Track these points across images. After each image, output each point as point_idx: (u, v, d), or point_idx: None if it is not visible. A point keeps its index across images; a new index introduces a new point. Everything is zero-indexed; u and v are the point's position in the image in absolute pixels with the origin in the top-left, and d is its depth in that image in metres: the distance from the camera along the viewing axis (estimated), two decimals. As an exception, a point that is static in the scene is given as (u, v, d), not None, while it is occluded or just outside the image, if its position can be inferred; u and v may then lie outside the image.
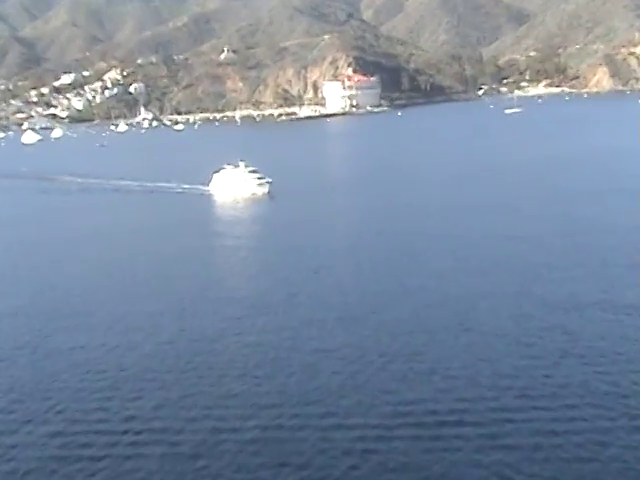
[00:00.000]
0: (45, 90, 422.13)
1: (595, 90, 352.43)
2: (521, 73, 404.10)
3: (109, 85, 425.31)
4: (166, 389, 38.44)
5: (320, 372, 39.31)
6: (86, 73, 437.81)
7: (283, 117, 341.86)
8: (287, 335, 45.15)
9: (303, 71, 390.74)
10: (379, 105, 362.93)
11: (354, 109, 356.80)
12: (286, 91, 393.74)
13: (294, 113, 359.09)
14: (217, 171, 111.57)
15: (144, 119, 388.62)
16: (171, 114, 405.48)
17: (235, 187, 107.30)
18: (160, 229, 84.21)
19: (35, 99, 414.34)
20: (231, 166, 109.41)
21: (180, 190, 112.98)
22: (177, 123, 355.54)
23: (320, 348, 42.71)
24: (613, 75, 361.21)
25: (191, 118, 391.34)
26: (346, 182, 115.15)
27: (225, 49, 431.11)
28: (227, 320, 48.88)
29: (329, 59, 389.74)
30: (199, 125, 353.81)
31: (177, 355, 43.02)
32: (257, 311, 50.32)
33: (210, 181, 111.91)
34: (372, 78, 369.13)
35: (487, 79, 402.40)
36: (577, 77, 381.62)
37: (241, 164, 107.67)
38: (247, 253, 69.25)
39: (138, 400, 37.44)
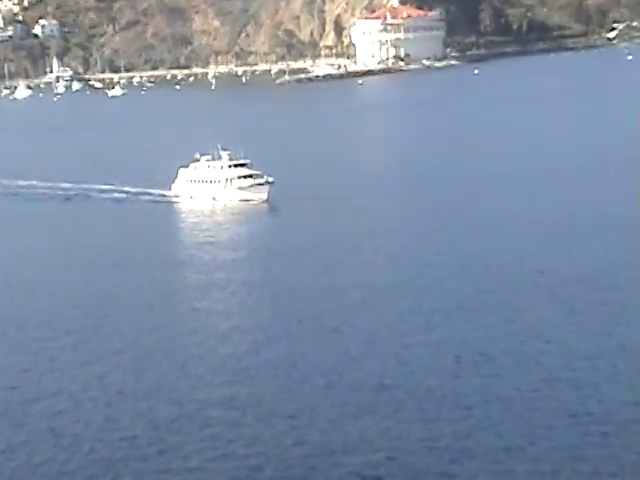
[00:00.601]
0: None
1: None
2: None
3: (0, 23, 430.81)
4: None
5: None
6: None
7: (286, 77, 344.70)
8: (278, 435, 44.82)
9: (319, 1, 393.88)
10: (443, 57, 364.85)
11: (401, 63, 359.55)
12: (291, 34, 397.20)
13: (304, 70, 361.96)
14: (185, 165, 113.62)
15: (59, 79, 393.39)
16: (103, 71, 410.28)
17: (214, 190, 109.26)
18: (87, 258, 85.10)
19: None
20: (207, 157, 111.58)
21: (123, 195, 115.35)
22: (113, 86, 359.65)
23: (333, 466, 42.12)
24: None
25: (136, 77, 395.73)
26: (386, 183, 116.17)
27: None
28: (181, 410, 48.61)
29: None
30: (149, 89, 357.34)
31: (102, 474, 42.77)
32: (230, 398, 50.01)
33: (173, 181, 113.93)
34: (431, 12, 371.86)
35: (623, 13, 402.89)
36: None
37: (223, 154, 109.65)
38: (224, 296, 69.70)
39: None
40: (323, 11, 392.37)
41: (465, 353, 53.91)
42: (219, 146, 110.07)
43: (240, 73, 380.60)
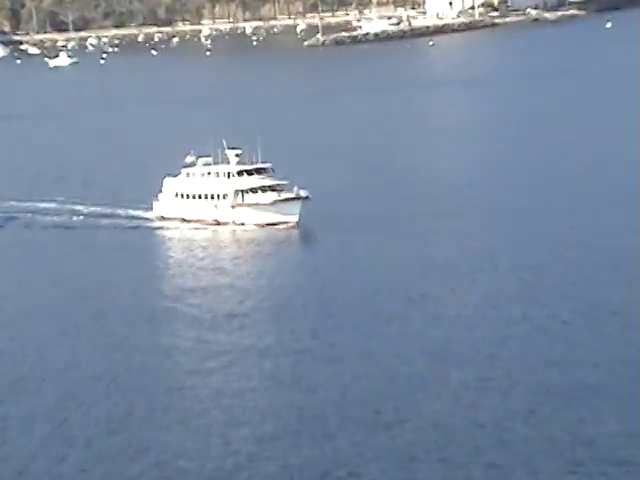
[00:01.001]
0: None
1: None
2: None
3: None
4: None
5: None
6: None
7: (319, 36, 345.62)
8: None
9: None
10: (558, 4, 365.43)
11: (495, 14, 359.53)
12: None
13: (347, 26, 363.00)
14: (172, 173, 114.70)
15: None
16: (40, 31, 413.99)
17: (216, 210, 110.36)
18: (15, 318, 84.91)
19: None
20: (205, 160, 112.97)
21: (74, 219, 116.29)
22: (57, 52, 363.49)
23: None
24: None
25: (92, 39, 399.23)
26: (468, 196, 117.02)
27: None
28: None
29: None
30: (111, 55, 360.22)
31: None
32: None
33: (156, 197, 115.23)
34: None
35: None
36: None
37: (230, 155, 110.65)
38: (220, 372, 69.06)
39: None
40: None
41: (585, 458, 51.79)
42: (224, 142, 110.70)
43: (249, 31, 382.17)
